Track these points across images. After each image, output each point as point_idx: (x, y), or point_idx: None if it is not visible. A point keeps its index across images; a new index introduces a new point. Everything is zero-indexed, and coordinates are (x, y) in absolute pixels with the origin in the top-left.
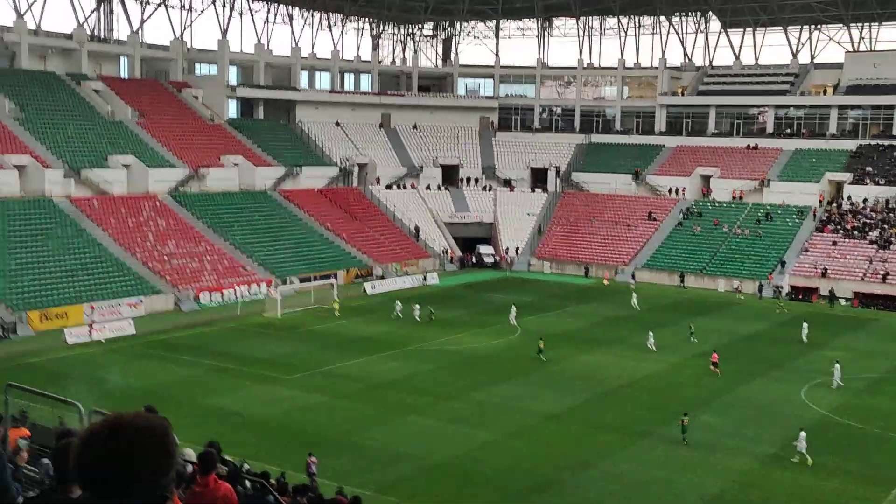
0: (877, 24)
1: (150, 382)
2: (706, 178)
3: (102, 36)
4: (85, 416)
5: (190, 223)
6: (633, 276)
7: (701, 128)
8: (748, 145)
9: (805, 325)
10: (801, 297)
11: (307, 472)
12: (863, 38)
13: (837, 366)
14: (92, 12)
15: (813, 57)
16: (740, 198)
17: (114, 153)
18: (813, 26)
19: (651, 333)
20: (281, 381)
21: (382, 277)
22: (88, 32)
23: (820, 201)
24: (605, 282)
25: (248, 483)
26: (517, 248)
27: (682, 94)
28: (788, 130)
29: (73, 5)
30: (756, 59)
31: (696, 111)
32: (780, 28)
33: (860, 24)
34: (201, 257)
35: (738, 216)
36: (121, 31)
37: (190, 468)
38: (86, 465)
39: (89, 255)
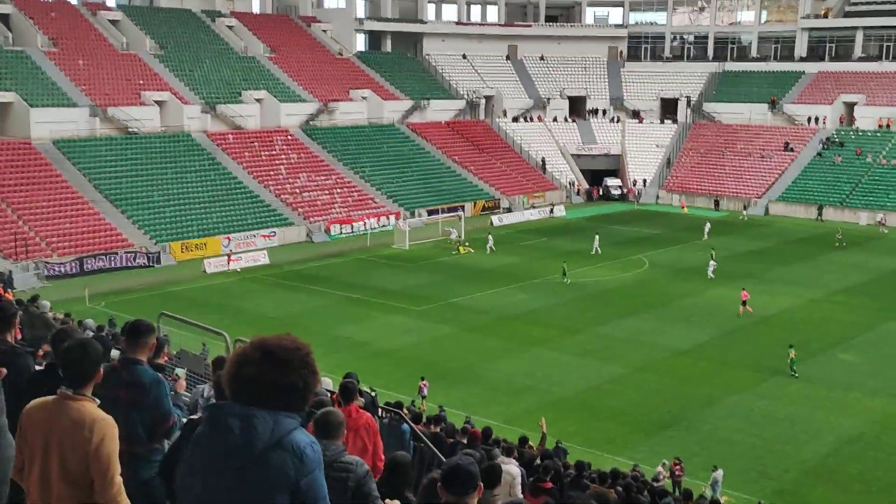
0: None
1: (283, 312)
2: (850, 106)
3: None
4: (230, 345)
5: (320, 156)
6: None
7: (846, 52)
8: None
9: None
10: None
11: (419, 395)
12: None
13: None
14: None
15: None
16: (887, 126)
17: (247, 88)
18: None
19: (712, 262)
20: (409, 312)
21: (509, 210)
22: None
23: None
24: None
25: (382, 412)
26: (645, 181)
27: (827, 17)
28: None
29: None
30: None
31: (840, 34)
32: None
33: None
34: (332, 190)
35: (883, 146)
36: None
37: (328, 397)
38: (242, 383)
39: (225, 188)
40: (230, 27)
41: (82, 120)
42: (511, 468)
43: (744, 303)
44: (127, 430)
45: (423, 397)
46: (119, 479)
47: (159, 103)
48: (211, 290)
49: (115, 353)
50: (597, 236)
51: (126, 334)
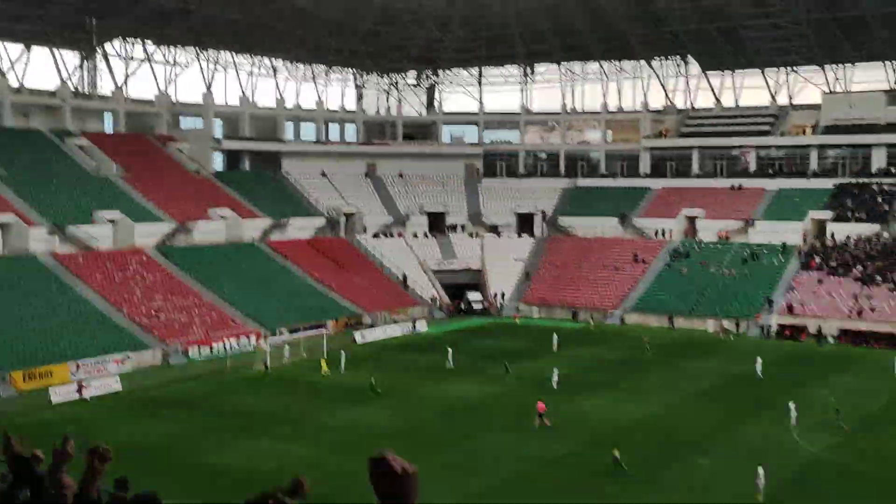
0: (851, 65)
1: (140, 441)
2: (692, 220)
3: (86, 92)
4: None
5: (178, 277)
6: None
7: (685, 169)
8: (732, 186)
9: (759, 360)
10: (789, 334)
11: None
12: (838, 80)
13: (792, 405)
14: (75, 69)
15: (791, 98)
16: (726, 238)
17: (99, 209)
18: (790, 68)
19: (556, 369)
20: (273, 435)
21: (372, 326)
22: (72, 89)
23: (804, 239)
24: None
25: None
26: (503, 294)
27: (665, 137)
28: (771, 171)
29: (56, 63)
30: (736, 101)
31: (679, 153)
32: (759, 70)
33: (835, 66)
34: (190, 311)
35: (724, 256)
36: (105, 87)
37: None
38: None
39: (74, 311)
40: (81, 147)
41: None
42: None
43: (540, 415)
44: None
45: None
46: None
47: (2, 226)
48: (60, 422)
49: None
50: (450, 350)
51: None
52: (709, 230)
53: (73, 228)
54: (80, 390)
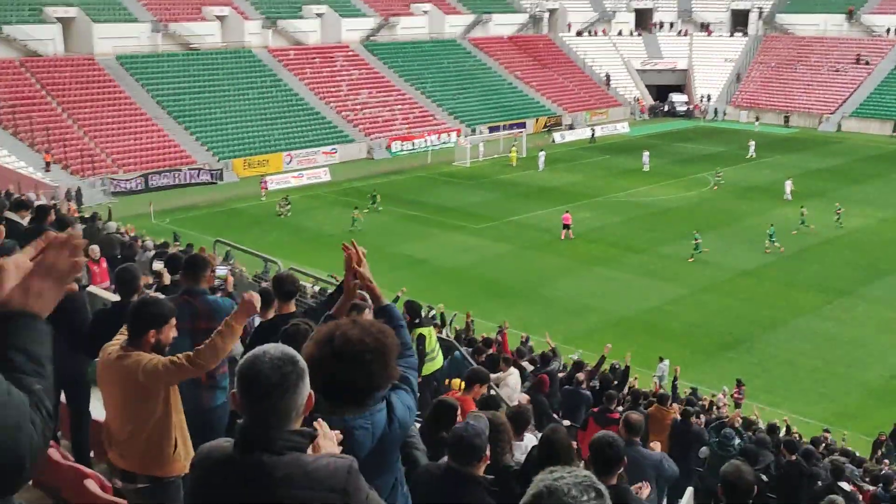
0: None
1: (343, 229)
2: None
3: None
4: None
5: (381, 73)
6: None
7: None
8: None
9: None
10: None
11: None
12: None
13: None
14: None
15: None
16: None
17: (308, 3)
18: None
19: (789, 181)
20: (469, 230)
21: (572, 127)
22: None
23: None
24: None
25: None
26: (709, 97)
27: None
28: None
29: None
30: None
31: None
32: None
33: None
34: (393, 107)
35: None
36: None
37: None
38: (321, 386)
39: (287, 104)
40: None
41: (144, 36)
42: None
43: (566, 226)
44: None
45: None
46: None
47: (220, 18)
48: (273, 207)
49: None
50: (646, 153)
51: (185, 268)
52: None
53: (283, 22)
54: (263, 186)
